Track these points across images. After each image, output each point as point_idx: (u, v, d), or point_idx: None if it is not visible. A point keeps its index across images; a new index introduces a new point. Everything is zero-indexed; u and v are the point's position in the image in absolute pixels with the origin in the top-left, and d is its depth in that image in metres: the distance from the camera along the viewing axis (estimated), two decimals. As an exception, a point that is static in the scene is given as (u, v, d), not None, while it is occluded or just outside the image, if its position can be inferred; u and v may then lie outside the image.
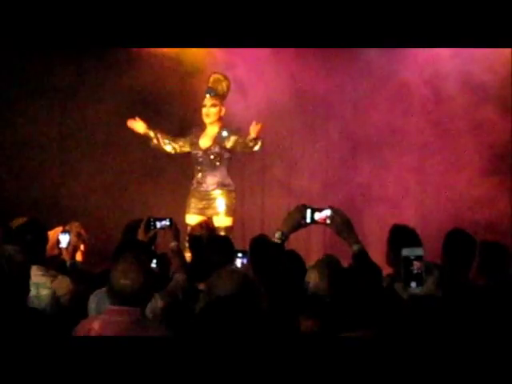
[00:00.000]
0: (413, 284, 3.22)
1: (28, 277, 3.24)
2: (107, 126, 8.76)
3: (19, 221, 5.05)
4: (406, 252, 3.26)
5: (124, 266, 3.19)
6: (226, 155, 7.23)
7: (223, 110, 7.23)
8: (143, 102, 8.60)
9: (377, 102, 8.68)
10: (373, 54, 8.47)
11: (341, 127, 8.90)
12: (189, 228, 6.76)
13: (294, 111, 8.89)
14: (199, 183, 7.27)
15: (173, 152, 7.42)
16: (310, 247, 8.62)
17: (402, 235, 4.34)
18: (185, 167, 8.21)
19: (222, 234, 6.85)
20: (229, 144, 7.10)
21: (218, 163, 7.20)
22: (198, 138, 7.30)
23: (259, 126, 6.83)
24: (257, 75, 8.47)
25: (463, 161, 8.57)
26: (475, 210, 8.34)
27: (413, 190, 8.83)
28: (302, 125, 9.07)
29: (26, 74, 8.61)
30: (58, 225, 5.04)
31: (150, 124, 7.42)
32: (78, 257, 4.95)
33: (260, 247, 4.46)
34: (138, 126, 7.27)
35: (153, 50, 8.39)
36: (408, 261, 3.24)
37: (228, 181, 7.25)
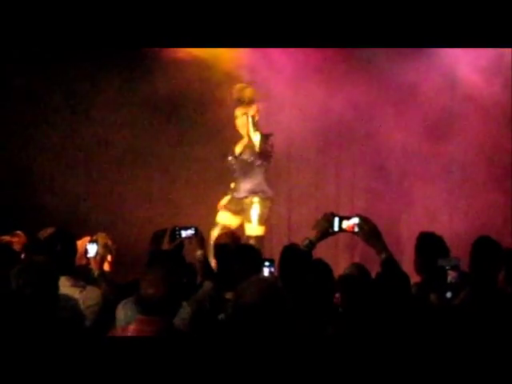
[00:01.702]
0: (448, 294, 3.20)
1: (57, 287, 3.27)
2: (132, 135, 8.81)
3: (47, 231, 5.10)
4: (441, 262, 3.23)
5: (153, 275, 3.20)
6: (258, 162, 7.23)
7: (256, 115, 7.22)
8: (168, 109, 8.72)
9: (402, 118, 8.61)
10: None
11: (368, 137, 8.84)
12: (218, 224, 7.02)
13: (322, 121, 8.83)
14: (233, 190, 7.31)
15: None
16: (338, 254, 8.54)
17: (429, 243, 4.31)
18: (213, 177, 8.25)
19: (252, 242, 6.81)
20: (257, 148, 7.14)
21: (249, 170, 7.21)
22: (235, 145, 7.38)
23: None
24: (288, 86, 8.46)
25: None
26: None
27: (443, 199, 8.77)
28: (329, 133, 9.02)
29: (49, 83, 8.65)
30: (84, 235, 5.07)
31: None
32: (106, 267, 4.96)
33: (290, 256, 4.46)
34: None
35: (179, 55, 8.44)
36: (444, 270, 3.21)
37: (262, 188, 7.22)
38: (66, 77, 8.62)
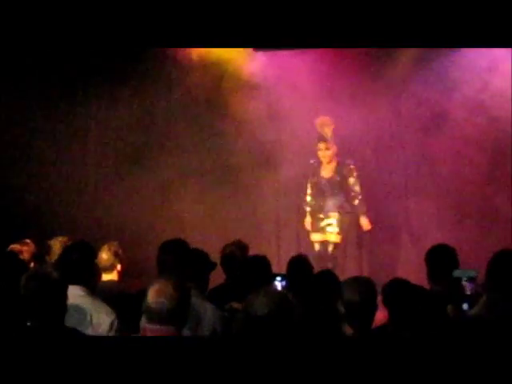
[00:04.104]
0: (465, 305, 3.16)
1: (64, 296, 3.26)
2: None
3: (59, 239, 5.10)
4: (457, 273, 3.20)
5: (160, 285, 3.19)
6: (343, 183, 8.22)
7: (335, 147, 8.18)
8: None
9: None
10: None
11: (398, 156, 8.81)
12: (315, 245, 8.15)
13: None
14: (320, 206, 8.22)
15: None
16: (346, 265, 8.51)
17: (441, 254, 4.29)
18: (228, 189, 8.37)
19: (331, 248, 8.05)
20: (350, 182, 8.18)
21: (337, 190, 8.17)
22: (319, 168, 8.27)
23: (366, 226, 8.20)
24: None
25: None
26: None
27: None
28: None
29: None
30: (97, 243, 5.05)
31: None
32: (115, 276, 4.95)
33: (297, 267, 4.45)
34: None
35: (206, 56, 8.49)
36: (460, 282, 3.18)
37: (346, 204, 8.18)
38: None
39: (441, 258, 4.18)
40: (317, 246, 8.20)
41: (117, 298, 4.36)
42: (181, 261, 4.37)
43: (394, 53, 8.33)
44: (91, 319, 3.90)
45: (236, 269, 4.96)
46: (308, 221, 8.33)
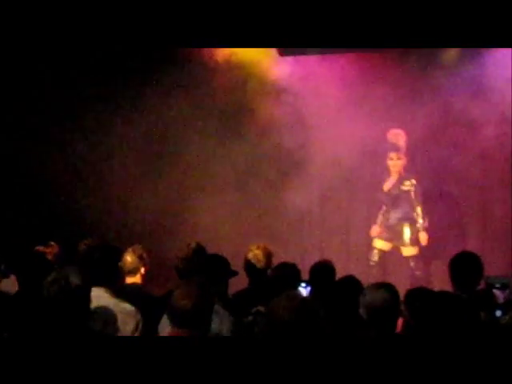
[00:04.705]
0: (498, 312, 3.15)
1: (88, 299, 3.28)
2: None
3: (85, 242, 5.14)
4: (491, 280, 3.18)
5: (186, 288, 3.21)
6: (405, 196, 8.39)
7: (405, 159, 8.40)
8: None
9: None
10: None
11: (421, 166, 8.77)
12: (375, 251, 8.46)
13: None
14: (385, 217, 8.51)
15: None
16: (370, 271, 8.52)
17: (466, 262, 4.27)
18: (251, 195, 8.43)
19: (411, 262, 8.31)
20: (413, 198, 8.34)
21: (398, 202, 8.38)
22: (384, 181, 8.51)
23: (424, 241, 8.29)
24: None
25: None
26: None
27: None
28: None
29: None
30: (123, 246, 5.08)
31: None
32: (138, 279, 4.97)
33: (320, 273, 4.44)
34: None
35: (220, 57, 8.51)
36: (493, 289, 3.16)
37: (411, 215, 8.36)
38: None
39: (466, 266, 4.16)
40: (375, 255, 8.49)
41: (141, 300, 4.38)
42: (201, 267, 4.39)
43: (423, 59, 8.30)
44: (116, 320, 3.89)
45: (259, 273, 4.98)
46: (375, 229, 8.57)
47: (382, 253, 8.52)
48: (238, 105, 8.80)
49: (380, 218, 8.57)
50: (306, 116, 8.65)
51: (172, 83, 8.66)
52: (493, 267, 5.00)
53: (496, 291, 3.26)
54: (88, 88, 8.53)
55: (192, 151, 8.94)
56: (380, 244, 8.53)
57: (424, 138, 8.48)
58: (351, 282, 4.10)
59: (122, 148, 9.09)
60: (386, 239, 8.52)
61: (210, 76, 8.68)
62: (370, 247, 8.64)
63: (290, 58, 8.73)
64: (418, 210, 8.29)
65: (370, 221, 8.84)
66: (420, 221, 8.27)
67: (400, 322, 3.44)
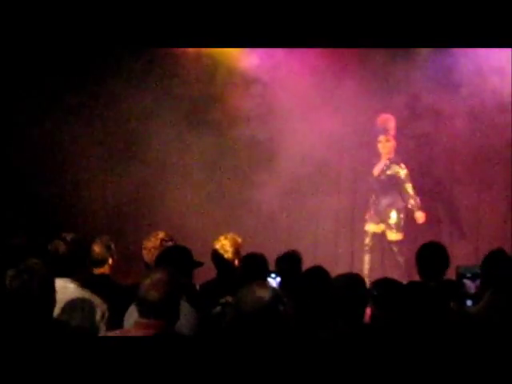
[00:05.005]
0: (468, 302, 3.18)
1: (52, 289, 3.25)
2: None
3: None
4: (462, 270, 3.21)
5: (153, 278, 3.19)
6: (393, 181, 8.41)
7: (394, 142, 8.47)
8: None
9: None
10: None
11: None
12: (368, 235, 8.48)
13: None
14: (374, 204, 8.54)
15: None
16: (338, 259, 8.64)
17: (431, 251, 4.32)
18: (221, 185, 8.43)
19: (394, 247, 8.36)
20: (403, 182, 8.35)
21: (387, 188, 8.41)
22: (374, 166, 8.54)
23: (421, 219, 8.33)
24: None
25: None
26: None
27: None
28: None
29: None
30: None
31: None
32: (106, 270, 4.93)
33: (287, 262, 4.46)
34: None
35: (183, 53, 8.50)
36: (464, 279, 3.19)
37: (399, 202, 8.41)
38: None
39: (431, 256, 4.20)
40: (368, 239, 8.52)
41: (109, 291, 4.36)
42: (165, 257, 4.37)
43: (392, 53, 8.33)
44: (82, 310, 3.90)
45: (227, 264, 4.98)
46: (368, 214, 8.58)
47: (375, 236, 8.53)
48: (207, 94, 8.77)
49: (371, 202, 8.61)
50: (275, 107, 8.62)
51: (139, 72, 8.60)
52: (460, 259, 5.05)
53: (467, 281, 3.29)
54: (52, 77, 8.44)
55: (160, 141, 8.85)
56: (372, 228, 8.55)
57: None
58: (318, 272, 4.11)
59: (87, 139, 8.98)
60: (377, 222, 8.54)
61: (179, 65, 8.62)
62: (338, 236, 8.72)
63: (259, 49, 8.70)
64: (409, 189, 8.31)
65: (339, 211, 8.93)
66: (412, 201, 8.30)
67: (368, 311, 3.46)
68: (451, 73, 8.27)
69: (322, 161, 8.72)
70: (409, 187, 8.34)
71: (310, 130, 8.33)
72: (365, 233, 8.60)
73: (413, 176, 8.56)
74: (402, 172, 8.36)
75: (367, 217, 8.61)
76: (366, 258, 8.50)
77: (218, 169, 8.93)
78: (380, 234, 8.54)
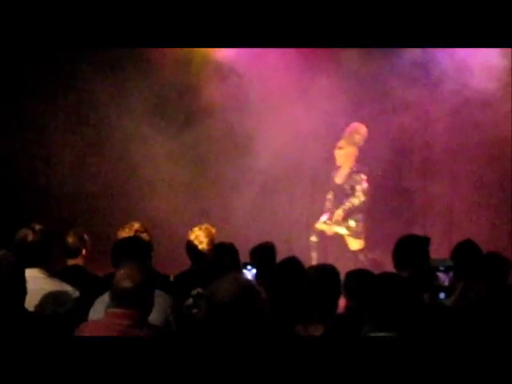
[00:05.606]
0: (441, 295, 3.20)
1: (22, 279, 3.21)
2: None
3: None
4: (435, 263, 3.23)
5: (126, 268, 3.18)
6: (353, 190, 8.35)
7: (354, 153, 8.37)
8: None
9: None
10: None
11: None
12: (315, 232, 8.37)
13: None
14: (333, 206, 8.46)
15: None
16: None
17: (406, 243, 4.33)
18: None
19: (360, 256, 8.27)
20: (356, 193, 8.32)
21: (347, 196, 8.36)
22: (336, 172, 8.50)
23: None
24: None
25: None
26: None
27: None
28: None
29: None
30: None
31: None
32: (80, 261, 4.92)
33: (261, 253, 4.45)
34: None
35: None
36: (437, 272, 3.21)
37: (357, 210, 8.34)
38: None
39: (406, 247, 4.21)
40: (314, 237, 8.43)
41: (83, 281, 4.33)
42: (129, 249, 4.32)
43: (369, 53, 8.33)
44: (53, 301, 3.88)
45: (201, 255, 4.96)
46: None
47: (322, 235, 8.45)
48: (181, 84, 8.73)
49: (328, 205, 8.55)
50: (250, 98, 8.60)
51: (112, 61, 8.53)
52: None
53: (440, 274, 3.31)
54: (20, 68, 8.38)
55: (132, 130, 8.79)
56: (323, 227, 8.46)
57: (367, 126, 8.56)
58: (293, 262, 4.11)
59: (56, 130, 8.92)
60: (330, 224, 8.47)
61: (153, 53, 8.54)
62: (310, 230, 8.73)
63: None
64: (355, 201, 8.26)
65: (312, 205, 8.98)
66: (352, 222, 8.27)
67: (342, 302, 3.47)
68: (428, 69, 8.33)
69: (295, 155, 8.80)
70: (356, 201, 8.30)
71: (283, 125, 8.31)
72: (312, 230, 8.52)
73: (388, 172, 8.62)
74: (359, 187, 8.31)
75: (323, 217, 8.51)
76: (314, 255, 8.41)
77: (192, 159, 8.86)
78: (330, 234, 8.44)
